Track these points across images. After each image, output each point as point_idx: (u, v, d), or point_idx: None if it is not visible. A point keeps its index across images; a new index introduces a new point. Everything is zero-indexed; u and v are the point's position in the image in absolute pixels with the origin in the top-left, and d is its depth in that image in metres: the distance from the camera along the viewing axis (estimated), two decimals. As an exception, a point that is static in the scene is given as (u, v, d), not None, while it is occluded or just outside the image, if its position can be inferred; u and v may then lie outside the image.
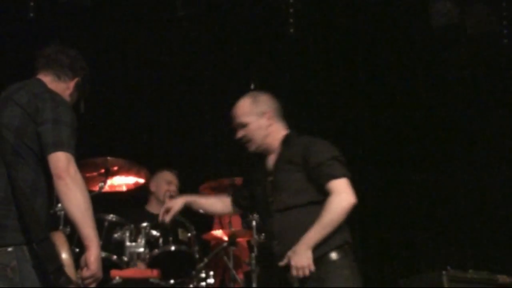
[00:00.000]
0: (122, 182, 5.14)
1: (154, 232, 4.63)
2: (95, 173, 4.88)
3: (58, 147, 2.94)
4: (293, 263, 3.38)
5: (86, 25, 6.12)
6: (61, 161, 2.91)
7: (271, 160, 3.72)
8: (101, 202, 4.90)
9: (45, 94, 3.06)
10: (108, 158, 4.82)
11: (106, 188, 4.91)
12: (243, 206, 4.06)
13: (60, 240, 2.95)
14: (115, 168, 4.93)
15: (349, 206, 3.47)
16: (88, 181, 4.79)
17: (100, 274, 2.99)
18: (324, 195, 3.49)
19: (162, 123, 6.73)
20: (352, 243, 3.60)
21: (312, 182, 3.54)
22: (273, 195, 3.61)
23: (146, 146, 6.48)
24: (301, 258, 3.36)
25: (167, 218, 3.89)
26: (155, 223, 4.62)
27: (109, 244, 4.51)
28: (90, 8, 6.00)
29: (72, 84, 3.30)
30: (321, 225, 3.41)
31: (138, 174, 5.12)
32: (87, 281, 2.97)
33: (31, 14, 5.68)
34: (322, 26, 6.93)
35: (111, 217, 4.61)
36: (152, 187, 5.55)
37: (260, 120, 3.72)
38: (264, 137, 3.71)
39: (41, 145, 2.94)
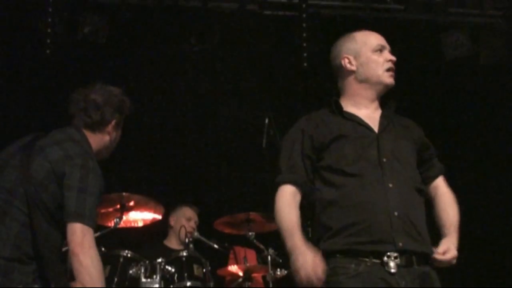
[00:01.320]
0: (138, 217, 5.13)
1: (169, 268, 4.61)
2: (110, 209, 4.88)
3: (78, 218, 2.93)
4: (452, 255, 2.98)
5: (101, 61, 6.17)
6: (77, 234, 2.90)
7: (373, 113, 3.18)
8: (118, 238, 4.94)
9: (77, 159, 3.03)
10: (124, 193, 4.83)
11: (122, 224, 4.90)
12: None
13: None
14: (131, 203, 4.93)
15: None
16: (103, 216, 4.81)
17: None
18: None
19: (178, 159, 6.74)
20: None
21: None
22: (386, 157, 3.01)
23: (161, 181, 6.49)
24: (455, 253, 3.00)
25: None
26: (171, 258, 4.61)
27: (124, 281, 4.50)
28: (105, 45, 6.05)
29: (110, 128, 3.32)
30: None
31: (154, 210, 5.11)
32: None
33: (48, 51, 5.73)
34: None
35: (126, 253, 4.60)
36: (171, 221, 5.57)
37: None
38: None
39: (63, 210, 2.95)
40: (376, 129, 3.09)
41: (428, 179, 3.21)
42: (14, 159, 3.06)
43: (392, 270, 2.78)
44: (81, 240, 2.91)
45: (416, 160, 3.13)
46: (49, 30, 5.68)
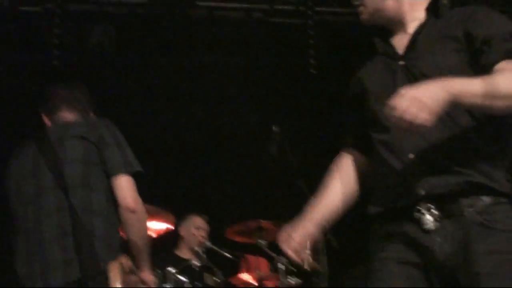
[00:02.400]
0: (150, 228, 5.12)
1: (181, 277, 4.59)
2: (122, 219, 4.87)
3: (127, 167, 3.11)
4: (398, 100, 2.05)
5: (110, 71, 6.18)
6: (131, 189, 2.98)
7: (402, 39, 2.45)
8: (128, 247, 4.91)
9: (100, 121, 3.26)
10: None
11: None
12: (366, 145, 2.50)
13: (113, 271, 2.97)
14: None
15: None
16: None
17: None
18: None
19: (188, 168, 6.73)
20: None
21: (473, 68, 2.27)
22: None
23: (172, 191, 6.48)
24: (417, 95, 2.02)
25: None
26: (183, 267, 4.60)
27: (137, 291, 4.47)
28: (113, 55, 6.06)
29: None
30: (484, 85, 2.11)
31: (165, 220, 5.10)
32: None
33: (56, 62, 5.73)
34: (343, 66, 6.92)
35: (138, 263, 4.58)
36: (181, 231, 5.55)
37: None
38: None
39: (108, 168, 3.02)
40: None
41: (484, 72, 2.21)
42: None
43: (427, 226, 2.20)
44: (136, 195, 3.11)
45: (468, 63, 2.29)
46: (56, 41, 5.68)
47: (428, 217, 2.21)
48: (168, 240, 5.61)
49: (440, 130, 2.20)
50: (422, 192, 2.21)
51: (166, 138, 6.65)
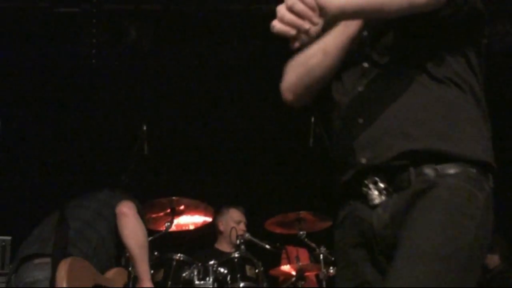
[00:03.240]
0: (189, 221, 5.17)
1: (222, 270, 4.62)
2: (161, 213, 4.93)
3: (126, 198, 3.54)
4: None
5: (147, 68, 6.24)
6: (127, 205, 3.23)
7: None
8: (169, 242, 4.98)
9: None
10: (173, 198, 4.87)
11: (173, 228, 4.94)
12: None
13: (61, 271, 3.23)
14: (181, 207, 4.97)
15: None
16: (154, 221, 4.87)
17: None
18: None
19: (226, 160, 6.77)
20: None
21: None
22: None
23: (211, 184, 6.52)
24: None
25: None
26: (223, 260, 4.63)
27: (178, 283, 4.53)
28: (150, 51, 6.11)
29: None
30: None
31: (205, 213, 5.15)
32: None
33: (94, 61, 5.81)
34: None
35: (179, 256, 4.63)
36: (220, 226, 5.56)
37: None
38: None
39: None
40: None
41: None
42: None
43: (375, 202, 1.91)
44: (131, 208, 3.58)
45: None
46: (94, 40, 5.76)
47: (374, 192, 1.91)
48: (209, 235, 5.65)
49: (394, 90, 1.93)
50: (363, 161, 1.92)
51: (204, 132, 6.70)
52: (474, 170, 1.85)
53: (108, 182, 4.00)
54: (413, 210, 1.80)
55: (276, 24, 1.71)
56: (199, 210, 5.11)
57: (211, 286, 4.53)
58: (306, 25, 1.68)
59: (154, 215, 4.86)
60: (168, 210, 4.92)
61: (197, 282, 4.55)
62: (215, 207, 5.29)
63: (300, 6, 1.68)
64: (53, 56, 5.91)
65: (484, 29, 2.03)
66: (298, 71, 2.11)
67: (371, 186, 1.91)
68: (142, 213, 3.69)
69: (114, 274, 3.52)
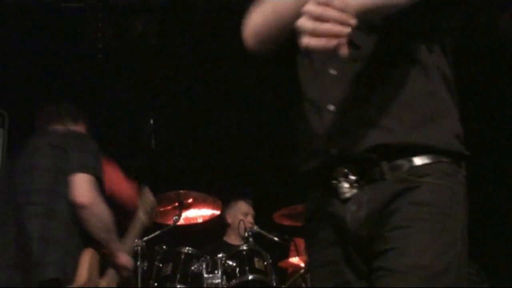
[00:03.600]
0: (197, 214, 5.18)
1: (231, 262, 4.62)
2: (169, 207, 4.94)
3: (82, 168, 3.19)
4: None
5: (153, 63, 6.23)
6: (82, 186, 3.11)
7: None
8: (178, 235, 4.98)
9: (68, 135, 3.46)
10: (181, 191, 4.87)
11: (182, 221, 4.95)
12: None
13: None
14: (189, 200, 4.98)
15: None
16: (162, 214, 4.88)
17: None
18: None
19: (234, 153, 6.76)
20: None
21: None
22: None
23: (218, 177, 6.52)
24: None
25: None
26: (232, 253, 4.63)
27: (187, 276, 4.53)
28: (156, 46, 6.10)
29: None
30: None
31: (213, 206, 5.15)
32: (124, 272, 3.41)
33: (100, 55, 5.82)
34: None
35: (188, 249, 4.64)
36: (228, 219, 5.57)
37: None
38: None
39: (68, 171, 3.20)
40: None
41: None
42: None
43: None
44: (88, 191, 3.16)
45: None
46: (99, 35, 5.76)
47: (345, 185, 1.82)
48: (217, 228, 5.66)
49: (369, 76, 1.84)
50: (334, 152, 1.83)
51: (211, 125, 6.69)
52: (448, 161, 1.81)
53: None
54: (397, 216, 1.74)
55: (311, 41, 1.52)
56: (207, 203, 5.11)
57: (219, 280, 4.53)
58: (345, 29, 1.52)
59: (162, 209, 4.86)
60: (176, 204, 4.93)
61: (206, 275, 4.54)
62: (223, 200, 5.29)
63: (331, 12, 1.51)
64: (59, 50, 5.91)
65: (458, 13, 1.97)
66: (265, 15, 1.92)
67: (341, 178, 1.83)
68: (102, 177, 3.32)
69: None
